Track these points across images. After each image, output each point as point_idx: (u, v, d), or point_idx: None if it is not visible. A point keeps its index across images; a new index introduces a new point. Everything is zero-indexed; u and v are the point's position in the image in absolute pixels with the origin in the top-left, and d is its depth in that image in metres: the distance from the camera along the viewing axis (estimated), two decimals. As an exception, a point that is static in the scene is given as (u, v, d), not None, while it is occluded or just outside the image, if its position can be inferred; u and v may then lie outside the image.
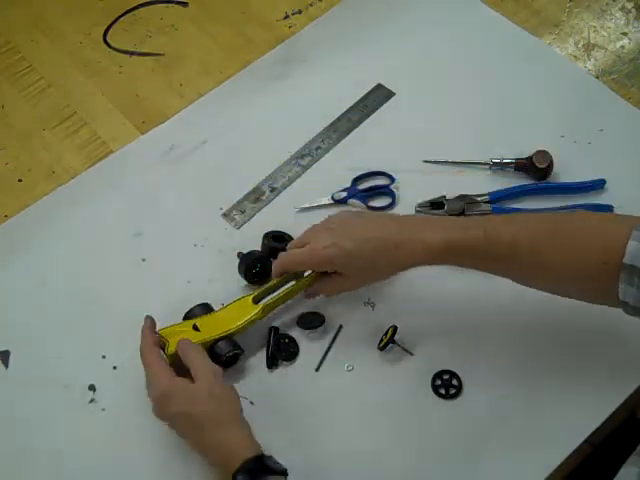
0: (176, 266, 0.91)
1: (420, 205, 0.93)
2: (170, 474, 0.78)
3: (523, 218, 0.78)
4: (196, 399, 0.72)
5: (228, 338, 0.81)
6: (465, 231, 0.74)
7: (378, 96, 1.04)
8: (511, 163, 0.95)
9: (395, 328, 0.81)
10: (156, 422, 0.78)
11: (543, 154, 0.94)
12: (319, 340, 0.85)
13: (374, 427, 0.79)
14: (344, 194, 0.95)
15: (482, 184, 0.94)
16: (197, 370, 0.74)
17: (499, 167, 0.96)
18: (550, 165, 0.93)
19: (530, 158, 0.94)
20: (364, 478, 0.76)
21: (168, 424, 0.74)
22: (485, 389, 0.80)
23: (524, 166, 0.95)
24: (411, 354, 0.82)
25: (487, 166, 0.96)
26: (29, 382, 0.84)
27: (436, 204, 0.92)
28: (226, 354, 0.80)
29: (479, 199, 0.92)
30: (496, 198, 0.92)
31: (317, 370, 0.83)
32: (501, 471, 0.75)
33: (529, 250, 0.72)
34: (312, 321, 0.85)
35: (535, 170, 0.94)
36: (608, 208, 0.90)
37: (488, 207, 0.92)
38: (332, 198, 0.95)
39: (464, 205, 0.92)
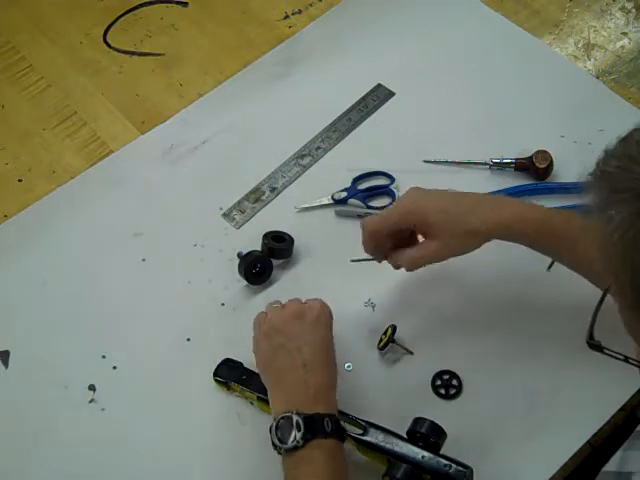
0: (176, 266, 0.91)
1: (420, 205, 0.93)
2: (169, 473, 0.78)
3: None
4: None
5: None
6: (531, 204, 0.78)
7: (378, 96, 1.04)
8: (511, 163, 0.95)
9: (394, 327, 0.81)
10: (155, 422, 0.78)
11: (543, 154, 0.94)
12: (319, 340, 0.84)
13: (374, 427, 0.79)
14: (344, 194, 0.95)
15: (482, 184, 0.94)
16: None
17: (499, 167, 0.96)
18: (550, 165, 0.93)
19: (530, 158, 0.94)
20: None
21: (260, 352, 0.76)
22: (485, 389, 0.80)
23: (524, 166, 0.94)
24: (411, 353, 0.82)
25: (487, 166, 0.96)
26: (29, 382, 0.84)
27: (436, 204, 0.92)
28: None
29: (479, 199, 0.92)
30: (496, 198, 0.92)
31: (317, 370, 0.82)
32: (501, 472, 0.75)
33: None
34: (312, 321, 0.85)
35: (535, 170, 0.94)
36: (608, 208, 0.90)
37: (488, 207, 0.92)
38: (332, 198, 0.95)
39: (464, 205, 0.92)
